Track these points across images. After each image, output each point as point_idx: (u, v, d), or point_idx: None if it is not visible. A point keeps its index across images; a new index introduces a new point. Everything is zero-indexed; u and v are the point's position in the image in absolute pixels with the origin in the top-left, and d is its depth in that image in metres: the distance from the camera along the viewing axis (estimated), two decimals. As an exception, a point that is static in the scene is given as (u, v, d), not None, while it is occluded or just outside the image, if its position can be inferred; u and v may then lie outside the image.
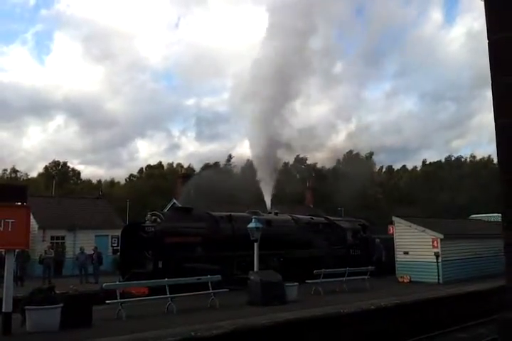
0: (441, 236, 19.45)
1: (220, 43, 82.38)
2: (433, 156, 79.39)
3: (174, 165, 64.89)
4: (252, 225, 14.86)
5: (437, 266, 19.18)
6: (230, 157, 56.61)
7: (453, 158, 63.89)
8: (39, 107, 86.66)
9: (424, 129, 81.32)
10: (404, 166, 65.46)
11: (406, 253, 20.32)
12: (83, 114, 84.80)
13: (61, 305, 9.86)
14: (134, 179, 64.55)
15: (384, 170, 63.98)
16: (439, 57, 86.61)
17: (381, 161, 67.65)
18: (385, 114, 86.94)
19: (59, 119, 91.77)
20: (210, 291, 13.49)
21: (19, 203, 9.99)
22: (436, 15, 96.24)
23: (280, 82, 23.96)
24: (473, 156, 65.03)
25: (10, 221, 9.49)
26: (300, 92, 25.77)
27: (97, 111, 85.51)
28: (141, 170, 65.17)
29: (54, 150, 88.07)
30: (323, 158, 48.19)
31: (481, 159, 63.50)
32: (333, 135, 71.10)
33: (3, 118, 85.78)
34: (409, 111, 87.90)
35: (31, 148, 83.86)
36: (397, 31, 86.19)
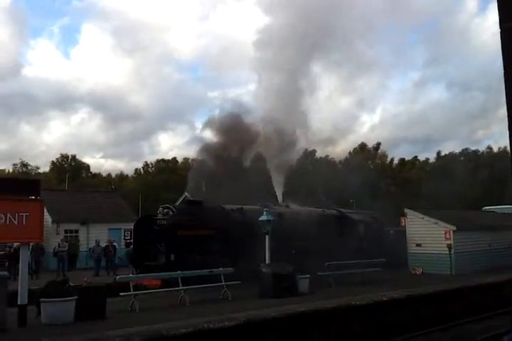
0: (454, 228, 19.35)
1: (248, 35, 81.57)
2: (456, 148, 78.24)
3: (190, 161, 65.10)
4: (263, 218, 14.89)
5: (450, 257, 19.09)
6: (241, 150, 56.36)
7: (470, 151, 63.24)
8: (64, 101, 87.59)
9: (448, 120, 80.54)
10: (415, 157, 64.94)
11: (418, 245, 20.27)
12: (107, 107, 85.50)
13: (75, 297, 9.98)
14: (140, 173, 64.93)
15: (396, 161, 63.46)
16: (470, 46, 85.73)
17: (400, 153, 67.62)
18: (407, 105, 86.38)
19: (83, 113, 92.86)
20: (223, 283, 13.58)
21: (33, 197, 10.11)
22: (471, 2, 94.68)
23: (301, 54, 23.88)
24: (489, 148, 64.39)
25: (24, 214, 9.60)
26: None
27: (121, 105, 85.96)
28: (146, 164, 65.52)
29: (76, 144, 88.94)
30: (336, 150, 48.02)
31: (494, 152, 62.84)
32: (355, 127, 71.21)
33: (28, 112, 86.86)
34: (433, 101, 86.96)
35: (53, 141, 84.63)
36: (430, 20, 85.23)
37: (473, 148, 64.75)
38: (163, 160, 65.73)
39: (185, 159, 64.04)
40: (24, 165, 63.13)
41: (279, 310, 10.91)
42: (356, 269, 17.14)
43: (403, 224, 21.55)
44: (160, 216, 17.38)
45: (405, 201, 24.99)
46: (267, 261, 14.59)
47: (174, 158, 64.88)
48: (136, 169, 67.02)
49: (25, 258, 10.39)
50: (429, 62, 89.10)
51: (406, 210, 21.24)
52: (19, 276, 9.88)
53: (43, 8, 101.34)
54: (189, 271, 13.35)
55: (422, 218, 20.43)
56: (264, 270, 13.94)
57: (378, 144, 62.56)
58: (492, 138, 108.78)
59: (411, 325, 12.33)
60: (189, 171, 24.03)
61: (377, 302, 12.59)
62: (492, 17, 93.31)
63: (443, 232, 19.56)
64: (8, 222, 9.40)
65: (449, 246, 19.11)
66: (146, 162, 66.70)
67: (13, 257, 19.24)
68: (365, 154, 60.75)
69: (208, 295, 13.29)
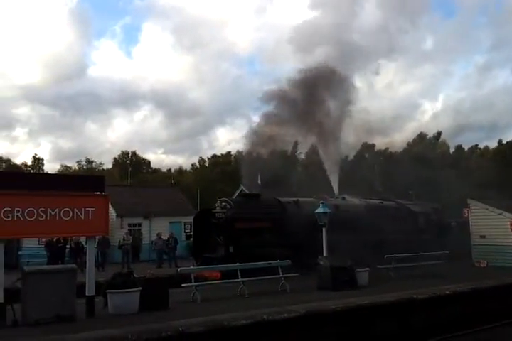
0: (520, 219, 18.56)
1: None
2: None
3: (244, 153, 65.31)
4: (319, 210, 14.83)
5: (516, 249, 18.34)
6: (296, 143, 56.18)
7: None
8: (127, 99, 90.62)
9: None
10: (476, 145, 62.18)
11: (482, 236, 19.61)
12: (168, 103, 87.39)
13: (140, 288, 10.37)
14: (197, 168, 66.20)
15: (453, 149, 60.87)
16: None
17: (462, 141, 65.20)
18: (471, 91, 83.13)
19: (145, 110, 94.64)
20: (281, 275, 13.69)
21: (98, 192, 10.57)
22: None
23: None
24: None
25: (90, 209, 10.05)
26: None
27: (181, 101, 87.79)
28: (202, 159, 66.72)
29: (139, 141, 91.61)
30: (395, 140, 46.86)
31: None
32: (416, 115, 69.49)
33: (93, 111, 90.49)
34: (499, 86, 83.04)
35: (117, 139, 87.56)
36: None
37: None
38: (215, 155, 66.65)
39: (239, 152, 64.73)
40: (89, 161, 66.03)
41: (338, 302, 10.86)
42: (417, 262, 16.77)
43: (466, 215, 20.85)
44: (218, 209, 17.73)
45: (468, 191, 24.09)
46: (325, 254, 14.55)
47: (228, 152, 65.62)
48: (192, 164, 68.50)
49: (92, 251, 10.87)
50: (495, 46, 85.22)
51: (469, 201, 20.54)
52: (87, 268, 10.33)
53: (106, 9, 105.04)
54: (248, 263, 13.54)
55: (486, 209, 19.72)
56: (322, 262, 13.91)
57: (439, 133, 60.46)
58: None
59: (476, 320, 11.96)
60: (243, 164, 24.22)
61: (440, 296, 12.28)
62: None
63: (508, 223, 18.80)
64: (75, 217, 9.86)
65: (516, 238, 18.36)
66: (201, 157, 68.02)
67: (74, 250, 20.34)
68: (425, 144, 58.83)
69: (267, 287, 13.43)
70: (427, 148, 54.64)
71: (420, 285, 13.44)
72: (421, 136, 59.63)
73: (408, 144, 56.66)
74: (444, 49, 78.38)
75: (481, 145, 62.29)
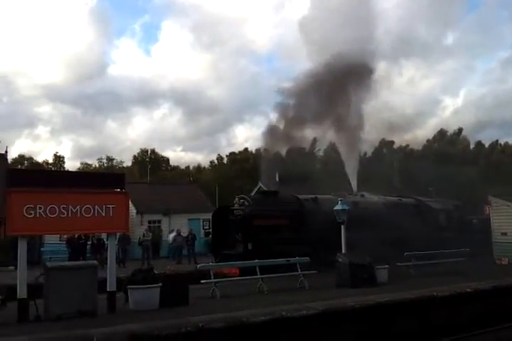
0: (543, 216, 18.24)
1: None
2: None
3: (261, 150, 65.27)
4: (338, 207, 14.79)
5: (539, 247, 18.04)
6: (314, 140, 55.95)
7: None
8: (146, 97, 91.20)
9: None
10: (497, 141, 61.15)
11: (504, 234, 19.34)
12: (187, 101, 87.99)
13: (160, 284, 10.47)
14: (215, 165, 66.46)
15: (473, 145, 59.96)
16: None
17: (484, 138, 64.29)
18: (493, 87, 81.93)
19: (164, 108, 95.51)
20: (299, 272, 13.69)
21: (118, 190, 10.68)
22: None
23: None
24: None
25: (111, 206, 10.16)
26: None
27: (200, 99, 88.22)
28: (220, 157, 67.01)
29: (158, 139, 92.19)
30: (415, 137, 46.34)
31: None
32: (437, 111, 68.62)
33: (114, 109, 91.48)
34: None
35: (137, 137, 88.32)
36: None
37: None
38: (234, 152, 66.82)
39: (257, 150, 64.65)
40: (110, 159, 66.81)
41: (357, 300, 10.82)
42: (438, 259, 16.61)
43: (487, 212, 20.56)
44: (236, 206, 17.77)
45: (489, 187, 23.75)
46: (344, 251, 14.51)
47: (246, 149, 65.68)
48: (211, 161, 68.84)
49: (112, 247, 11.01)
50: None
51: (490, 198, 20.25)
52: (108, 264, 10.47)
53: (125, 8, 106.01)
54: (266, 260, 13.56)
55: (508, 206, 19.41)
56: (340, 260, 13.87)
57: (460, 130, 59.68)
58: None
59: (497, 318, 11.80)
60: (261, 161, 24.21)
61: (461, 294, 12.15)
62: None
63: (531, 220, 18.52)
64: (96, 214, 9.98)
65: (538, 235, 18.06)
66: (219, 154, 68.30)
67: (95, 247, 20.66)
68: (446, 140, 58.16)
69: (285, 283, 13.44)
70: (447, 145, 54.05)
71: (441, 283, 13.30)
72: (441, 133, 58.95)
73: (428, 141, 56.05)
74: (467, 44, 77.23)
75: (502, 141, 61.44)
